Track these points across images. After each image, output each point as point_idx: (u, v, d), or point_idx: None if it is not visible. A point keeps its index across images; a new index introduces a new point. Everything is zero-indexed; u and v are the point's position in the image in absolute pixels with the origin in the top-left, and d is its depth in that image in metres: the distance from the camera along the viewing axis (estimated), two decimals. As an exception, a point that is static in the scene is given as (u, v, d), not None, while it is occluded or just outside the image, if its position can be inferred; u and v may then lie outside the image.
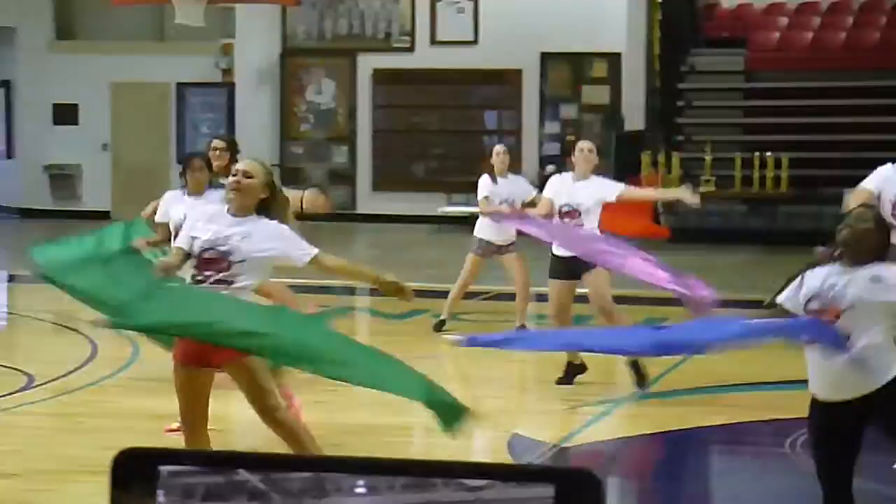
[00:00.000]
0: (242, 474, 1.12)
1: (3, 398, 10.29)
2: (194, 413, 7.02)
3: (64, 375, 11.19)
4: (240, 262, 6.85)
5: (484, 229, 13.14)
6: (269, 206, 6.99)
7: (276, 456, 1.13)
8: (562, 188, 11.07)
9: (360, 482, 1.14)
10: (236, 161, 8.87)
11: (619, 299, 11.17)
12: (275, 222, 6.97)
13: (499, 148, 13.61)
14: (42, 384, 10.85)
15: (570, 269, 10.69)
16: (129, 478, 1.11)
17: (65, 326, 14.22)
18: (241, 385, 6.98)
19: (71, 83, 26.04)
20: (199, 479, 1.15)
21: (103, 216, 26.19)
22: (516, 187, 13.32)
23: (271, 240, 6.91)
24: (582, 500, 1.17)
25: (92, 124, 26.23)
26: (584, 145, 11.23)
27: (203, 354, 6.80)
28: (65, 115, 26.39)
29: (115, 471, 1.13)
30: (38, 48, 26.48)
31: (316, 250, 7.00)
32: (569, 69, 25.38)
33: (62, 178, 26.61)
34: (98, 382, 11.04)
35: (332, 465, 1.13)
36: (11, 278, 18.98)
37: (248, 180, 6.93)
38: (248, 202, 6.92)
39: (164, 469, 1.13)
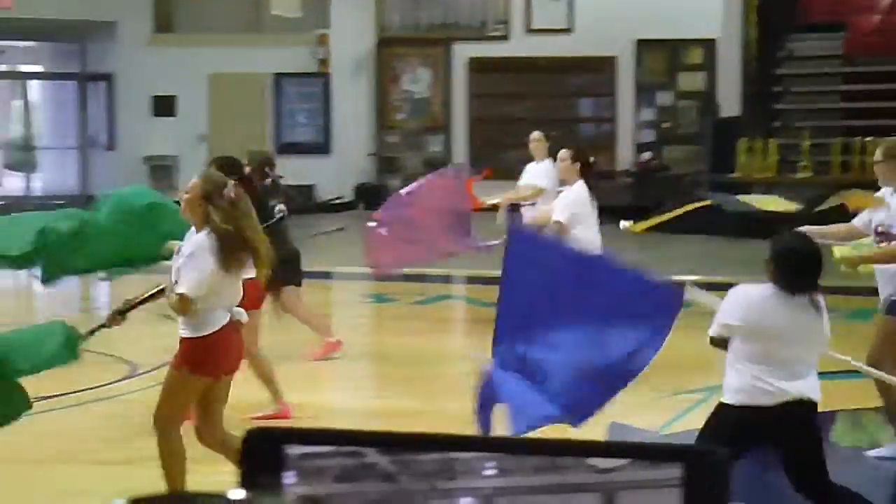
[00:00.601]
0: (371, 455, 1.14)
1: (107, 387, 10.44)
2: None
3: (166, 364, 11.31)
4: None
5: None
6: (208, 218, 6.87)
7: (405, 435, 1.14)
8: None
9: (490, 463, 1.15)
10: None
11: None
12: (201, 235, 6.89)
13: (534, 134, 13.68)
14: (145, 372, 10.98)
15: None
16: (257, 458, 1.14)
17: (165, 315, 14.39)
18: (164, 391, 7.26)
19: (169, 76, 26.33)
20: (329, 461, 1.17)
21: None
22: (530, 175, 13.54)
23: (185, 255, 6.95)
24: (710, 480, 1.16)
25: (190, 116, 26.50)
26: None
27: None
28: (163, 107, 26.69)
29: (245, 451, 1.16)
30: (138, 42, 26.79)
31: (184, 290, 6.87)
32: (664, 56, 25.25)
33: (161, 169, 26.90)
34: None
35: (462, 444, 1.14)
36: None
37: (185, 196, 6.93)
38: (195, 217, 6.89)
39: (294, 450, 1.16)
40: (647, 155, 25.06)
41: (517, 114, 25.19)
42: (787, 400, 6.15)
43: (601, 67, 25.28)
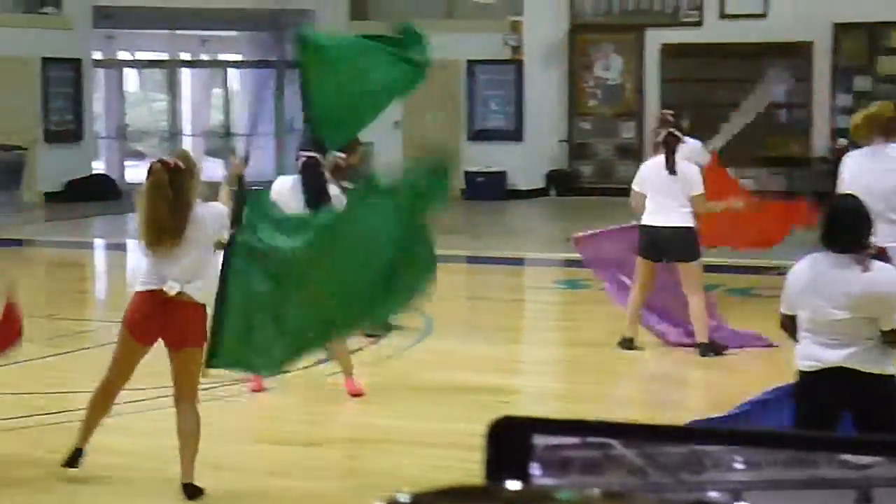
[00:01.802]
0: (616, 446, 1.16)
1: (306, 370, 10.66)
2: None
3: (361, 348, 11.52)
4: None
5: None
6: None
7: (653, 427, 1.17)
8: None
9: (740, 457, 1.16)
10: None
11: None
12: None
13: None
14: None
15: None
16: (503, 446, 1.18)
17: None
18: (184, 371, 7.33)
19: (365, 63, 26.61)
20: (574, 451, 1.19)
21: (395, 192, 26.77)
22: None
23: None
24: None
25: (385, 103, 26.75)
26: None
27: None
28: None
29: (490, 438, 1.20)
30: (334, 29, 27.15)
31: None
32: (863, 40, 24.75)
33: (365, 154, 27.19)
34: (394, 355, 11.34)
35: (710, 437, 1.15)
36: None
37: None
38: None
39: (539, 439, 1.19)
40: (843, 141, 24.59)
41: (710, 100, 24.91)
42: (826, 367, 6.11)
43: (796, 52, 24.89)
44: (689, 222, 10.97)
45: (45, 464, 7.83)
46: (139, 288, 7.38)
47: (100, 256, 19.65)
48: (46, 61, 25.05)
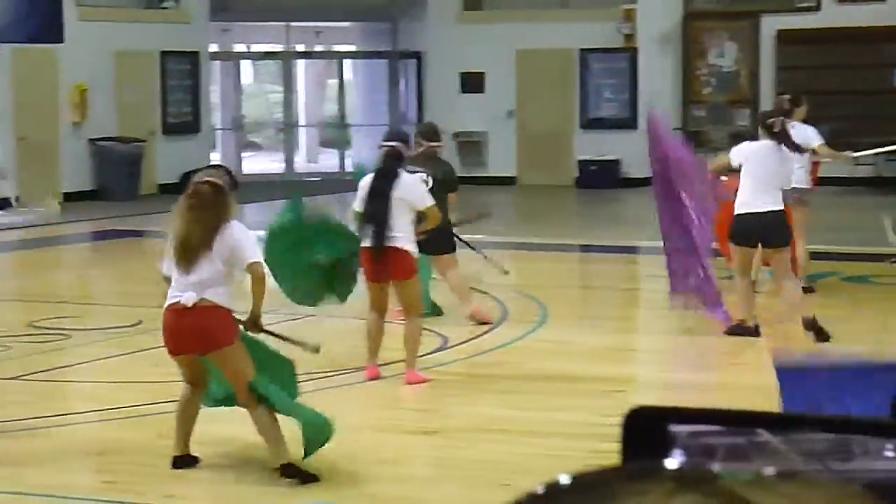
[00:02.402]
0: (759, 433, 1.14)
1: (419, 359, 10.70)
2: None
3: (476, 337, 11.54)
4: None
5: None
6: None
7: (795, 415, 1.15)
8: None
9: (889, 445, 1.13)
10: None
11: None
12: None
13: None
14: (456, 345, 11.21)
15: None
16: (639, 436, 1.17)
17: (475, 289, 14.65)
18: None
19: (478, 52, 26.66)
20: (716, 439, 1.17)
21: (509, 182, 26.75)
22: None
23: None
24: None
25: (498, 92, 26.78)
26: None
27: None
28: (472, 83, 27.04)
29: (626, 429, 1.19)
30: (447, 19, 27.21)
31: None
32: (985, 24, 24.29)
33: (469, 145, 27.26)
34: (509, 344, 11.34)
35: (858, 426, 1.13)
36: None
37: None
38: None
39: (678, 428, 1.18)
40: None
41: (827, 86, 24.58)
42: None
43: (917, 37, 24.48)
44: (782, 206, 10.96)
45: (169, 449, 7.94)
46: (165, 304, 7.50)
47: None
48: (165, 55, 25.38)
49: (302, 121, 31.66)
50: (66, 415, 8.00)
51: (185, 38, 25.70)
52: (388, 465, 7.77)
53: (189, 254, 7.38)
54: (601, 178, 25.36)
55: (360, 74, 31.05)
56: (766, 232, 10.94)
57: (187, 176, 27.57)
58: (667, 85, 26.13)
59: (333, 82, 31.34)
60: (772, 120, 11.27)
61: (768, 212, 10.89)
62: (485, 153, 27.26)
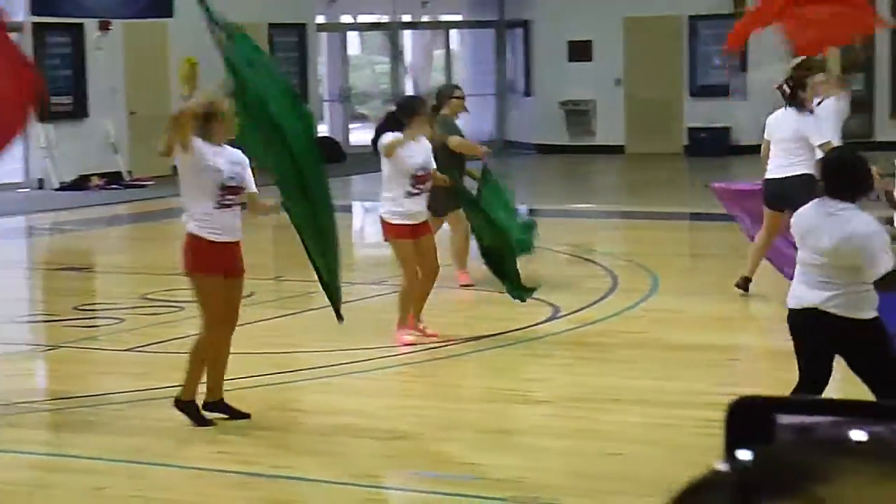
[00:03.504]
0: (868, 423, 1.12)
1: (530, 328, 10.71)
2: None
3: (587, 306, 11.51)
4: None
5: None
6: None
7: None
8: None
9: None
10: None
11: None
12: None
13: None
14: (567, 315, 11.19)
15: None
16: (744, 427, 1.15)
17: (583, 258, 14.61)
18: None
19: (585, 20, 26.50)
20: (820, 431, 1.15)
21: (617, 150, 26.61)
22: None
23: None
24: None
25: (606, 60, 26.62)
26: None
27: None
28: (579, 51, 26.91)
29: (730, 420, 1.17)
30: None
31: None
32: None
33: (577, 113, 27.14)
34: (620, 313, 11.30)
35: None
36: (531, 212, 19.62)
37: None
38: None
39: (783, 418, 1.16)
40: None
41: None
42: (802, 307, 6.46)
43: None
44: (805, 170, 11.05)
45: (278, 420, 8.01)
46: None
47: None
48: (273, 27, 25.52)
49: (409, 91, 31.71)
50: (179, 386, 8.09)
51: (293, 10, 25.82)
52: (496, 435, 7.78)
53: None
54: (711, 145, 25.13)
55: (466, 44, 31.02)
56: (789, 196, 10.78)
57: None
58: (778, 52, 25.80)
59: (440, 52, 31.34)
60: (778, 85, 11.65)
61: (787, 177, 11.15)
62: (592, 122, 27.13)
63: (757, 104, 25.83)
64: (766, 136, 11.68)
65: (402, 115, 10.00)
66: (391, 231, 9.95)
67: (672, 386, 8.80)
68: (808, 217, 6.56)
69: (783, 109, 11.54)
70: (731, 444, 1.16)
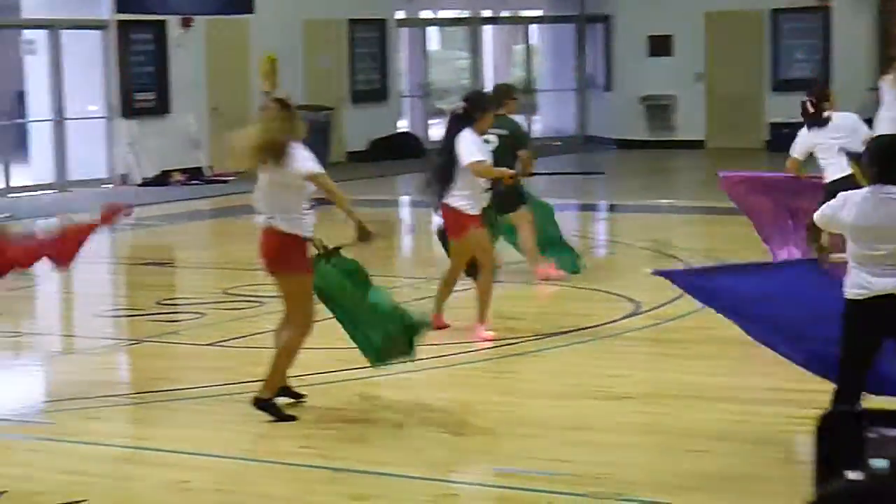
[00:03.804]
0: None
1: (611, 324, 10.66)
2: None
3: (667, 303, 11.43)
4: None
5: None
6: None
7: None
8: None
9: None
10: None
11: None
12: None
13: None
14: (647, 311, 11.13)
15: None
16: (834, 440, 1.14)
17: (663, 254, 14.53)
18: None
19: (666, 15, 26.37)
20: None
21: (697, 146, 26.44)
22: None
23: None
24: None
25: (687, 55, 26.47)
26: None
27: None
28: (660, 46, 26.76)
29: (821, 434, 1.16)
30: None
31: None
32: None
33: (657, 108, 27.00)
34: (700, 310, 11.20)
35: None
36: (612, 208, 19.55)
37: None
38: None
39: (876, 431, 1.14)
40: None
41: None
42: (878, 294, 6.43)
43: None
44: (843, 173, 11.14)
45: (359, 415, 8.03)
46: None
47: (404, 214, 20.02)
48: (353, 22, 25.60)
49: (488, 87, 31.64)
50: (261, 381, 8.14)
51: (373, 6, 25.88)
52: (576, 431, 7.75)
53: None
54: (793, 141, 24.84)
55: (546, 39, 30.93)
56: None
57: (375, 144, 28.00)
58: (861, 45, 25.52)
59: (520, 47, 31.28)
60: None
61: (830, 181, 11.22)
62: (673, 117, 26.97)
63: (840, 98, 25.56)
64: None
65: (473, 109, 10.03)
66: (471, 221, 9.98)
67: (753, 382, 8.74)
68: (862, 209, 6.48)
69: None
70: (822, 458, 1.15)
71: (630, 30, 27.01)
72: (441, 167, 10.01)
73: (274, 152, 7.91)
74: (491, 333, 10.02)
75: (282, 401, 8.13)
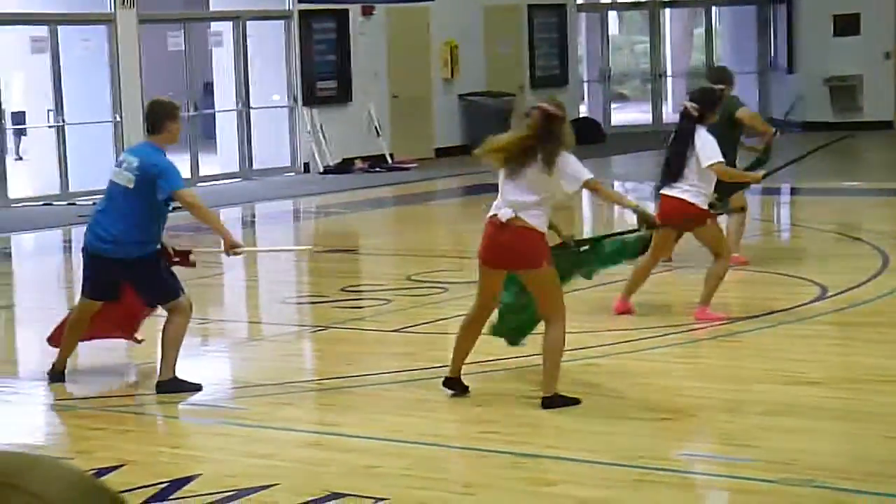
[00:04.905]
0: None
1: (798, 308, 10.49)
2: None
3: (857, 286, 11.22)
4: None
5: None
6: None
7: None
8: None
9: None
10: None
11: None
12: None
13: None
14: (835, 295, 10.93)
15: None
16: None
17: (851, 237, 14.24)
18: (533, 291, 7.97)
19: (852, -7, 25.87)
20: None
21: (885, 126, 25.86)
22: None
23: None
24: None
25: (874, 33, 25.90)
26: None
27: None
28: (846, 25, 26.24)
29: None
30: None
31: None
32: None
33: (843, 89, 26.49)
34: (892, 293, 10.98)
35: None
36: (794, 191, 19.23)
37: None
38: None
39: None
40: None
41: None
42: None
43: None
44: None
45: (538, 401, 8.01)
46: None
47: (585, 200, 19.93)
48: (532, 8, 25.57)
49: (669, 71, 31.37)
50: (445, 366, 8.17)
51: (553, -9, 25.82)
52: (769, 417, 7.62)
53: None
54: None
55: (727, 21, 30.54)
56: None
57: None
58: None
59: (700, 31, 30.93)
60: None
61: None
62: (859, 97, 26.42)
63: None
64: None
65: (705, 108, 10.11)
66: (706, 216, 10.09)
67: (950, 367, 8.52)
68: None
69: None
70: None
71: (814, 9, 26.52)
72: (672, 160, 10.14)
73: (530, 157, 7.93)
74: (721, 313, 10.11)
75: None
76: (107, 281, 8.77)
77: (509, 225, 7.85)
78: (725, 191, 11.39)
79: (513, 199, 7.89)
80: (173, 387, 8.58)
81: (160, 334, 8.74)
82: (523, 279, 7.98)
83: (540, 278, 7.89)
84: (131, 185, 8.58)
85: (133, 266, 8.61)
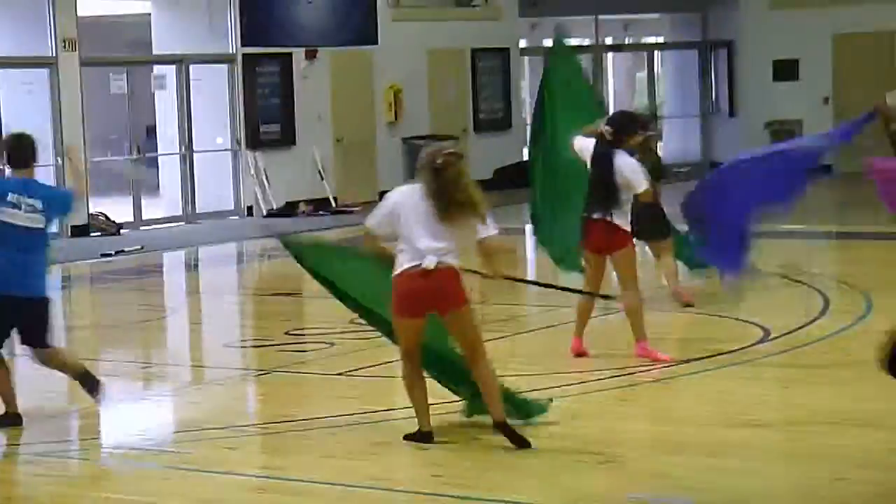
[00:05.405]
0: None
1: (741, 350, 10.52)
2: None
3: (799, 328, 11.28)
4: None
5: None
6: None
7: None
8: None
9: None
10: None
11: None
12: None
13: None
14: (777, 337, 10.97)
15: None
16: None
17: (793, 279, 14.32)
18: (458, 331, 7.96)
19: (791, 39, 26.12)
20: None
21: (825, 170, 26.07)
22: None
23: None
24: None
25: (813, 79, 26.18)
26: None
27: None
28: (785, 71, 26.51)
29: None
30: (759, 7, 26.74)
31: None
32: None
33: (782, 133, 26.69)
34: (833, 335, 11.04)
35: None
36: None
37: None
38: None
39: None
40: None
41: None
42: None
43: None
44: None
45: (490, 442, 7.99)
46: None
47: (530, 243, 19.96)
48: (476, 52, 25.67)
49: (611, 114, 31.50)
50: (392, 409, 8.14)
51: (496, 35, 25.94)
52: (715, 459, 7.64)
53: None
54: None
55: (669, 65, 30.77)
56: None
57: (500, 172, 27.92)
58: None
59: (642, 75, 31.15)
60: None
61: None
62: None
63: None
64: None
65: (619, 132, 10.23)
66: (630, 240, 10.14)
67: (893, 408, 8.55)
68: None
69: None
70: None
71: (754, 54, 26.77)
72: (606, 187, 10.09)
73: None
74: (666, 356, 10.13)
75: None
76: None
77: (435, 270, 7.84)
78: (654, 232, 11.82)
79: (432, 246, 7.91)
80: None
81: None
82: (447, 321, 7.94)
83: (467, 316, 7.94)
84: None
85: None
